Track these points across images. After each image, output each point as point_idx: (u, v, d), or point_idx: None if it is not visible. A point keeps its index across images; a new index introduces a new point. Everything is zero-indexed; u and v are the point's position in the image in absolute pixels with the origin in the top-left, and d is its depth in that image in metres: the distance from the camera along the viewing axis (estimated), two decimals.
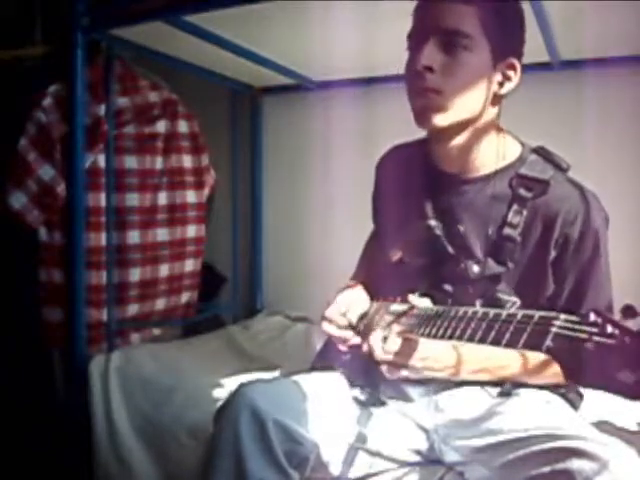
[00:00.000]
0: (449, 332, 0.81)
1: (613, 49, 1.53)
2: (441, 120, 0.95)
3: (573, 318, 0.61)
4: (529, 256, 0.97)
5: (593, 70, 1.59)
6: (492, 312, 0.74)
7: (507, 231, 0.97)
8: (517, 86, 0.98)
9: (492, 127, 1.01)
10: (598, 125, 1.56)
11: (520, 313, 0.69)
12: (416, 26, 0.98)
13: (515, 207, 0.97)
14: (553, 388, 1.00)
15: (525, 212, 0.96)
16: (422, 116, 0.96)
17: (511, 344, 0.68)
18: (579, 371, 0.59)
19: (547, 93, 1.66)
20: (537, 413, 0.93)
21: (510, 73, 0.97)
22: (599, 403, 1.14)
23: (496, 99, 0.98)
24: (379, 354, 0.92)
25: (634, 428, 1.18)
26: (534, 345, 0.64)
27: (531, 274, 0.97)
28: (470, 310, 0.79)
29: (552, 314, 0.64)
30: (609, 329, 0.58)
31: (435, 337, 0.83)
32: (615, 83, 1.58)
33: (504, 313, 0.72)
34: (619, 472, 0.74)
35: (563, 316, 0.62)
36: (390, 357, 0.92)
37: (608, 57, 1.57)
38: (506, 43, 0.95)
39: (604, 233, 0.96)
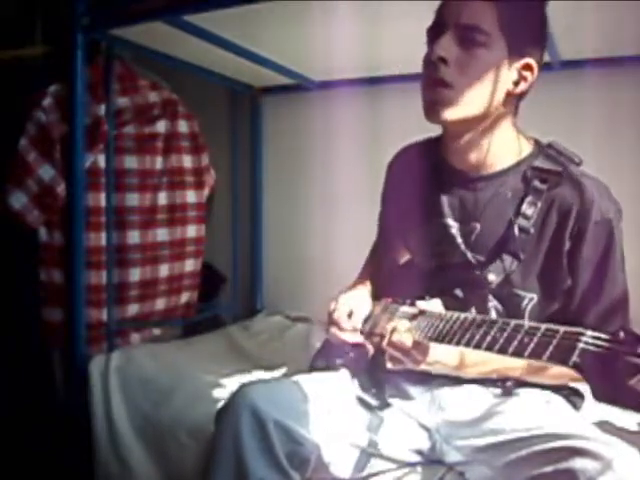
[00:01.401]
0: (465, 339, 0.79)
1: (613, 49, 1.53)
2: (450, 114, 0.95)
3: (602, 335, 0.61)
4: (546, 249, 0.97)
5: (593, 70, 1.59)
6: (513, 322, 0.73)
7: (521, 222, 0.96)
8: (533, 86, 0.98)
9: (507, 125, 1.01)
10: (598, 125, 1.56)
11: (543, 326, 0.69)
12: (436, 20, 0.98)
13: (529, 199, 0.97)
14: (555, 388, 1.00)
15: (539, 204, 0.96)
16: (431, 109, 0.96)
17: (535, 356, 0.67)
18: (606, 388, 0.58)
19: (547, 93, 1.66)
20: (538, 413, 0.93)
21: (526, 73, 0.96)
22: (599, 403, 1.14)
23: (511, 98, 0.98)
24: (384, 343, 0.93)
25: (634, 428, 1.18)
26: (560, 359, 0.63)
27: (548, 267, 0.97)
28: (488, 318, 0.78)
29: (578, 329, 0.64)
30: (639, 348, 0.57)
31: (450, 343, 0.82)
32: (615, 83, 1.58)
33: (527, 324, 0.71)
34: (623, 471, 0.74)
35: (590, 332, 0.62)
36: (393, 349, 0.92)
37: (608, 57, 1.57)
38: (524, 43, 0.95)
39: (618, 224, 0.95)
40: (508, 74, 0.95)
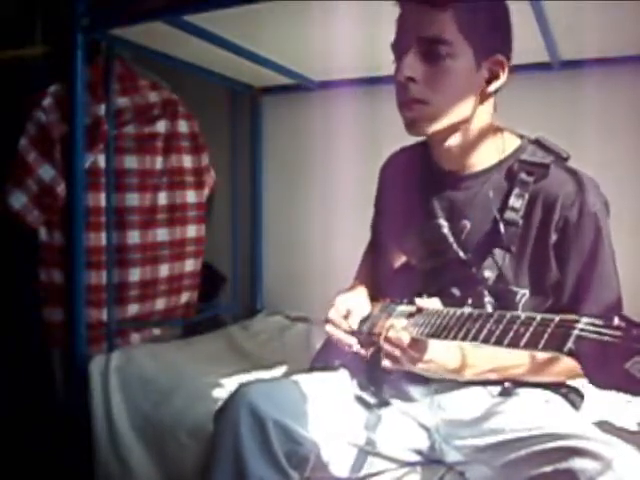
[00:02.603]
0: (462, 333, 0.78)
1: (613, 49, 1.53)
2: (432, 128, 0.96)
3: (596, 321, 0.61)
4: (532, 243, 0.97)
5: (593, 70, 1.59)
6: (509, 314, 0.73)
7: (509, 215, 0.96)
8: (506, 82, 0.97)
9: (487, 124, 1.01)
10: (598, 125, 1.56)
11: (539, 316, 0.68)
12: (397, 37, 0.97)
13: (517, 191, 0.97)
14: (555, 388, 1.00)
15: (527, 196, 0.96)
16: (412, 126, 0.97)
17: (530, 346, 0.67)
18: (602, 373, 0.58)
19: (547, 93, 1.66)
20: (538, 413, 0.93)
21: (497, 70, 0.96)
22: (599, 403, 1.14)
23: (485, 97, 0.98)
24: (381, 339, 0.92)
25: (634, 428, 1.18)
26: (555, 347, 0.63)
27: (535, 261, 0.97)
28: (485, 312, 0.78)
29: (573, 317, 0.64)
30: (634, 332, 0.57)
31: (447, 338, 0.81)
32: (615, 83, 1.58)
33: (523, 315, 0.71)
34: (623, 471, 0.73)
35: (585, 319, 0.62)
36: (389, 346, 0.91)
37: (608, 57, 1.57)
38: (489, 42, 0.94)
39: (604, 217, 0.95)
40: (479, 75, 0.95)
